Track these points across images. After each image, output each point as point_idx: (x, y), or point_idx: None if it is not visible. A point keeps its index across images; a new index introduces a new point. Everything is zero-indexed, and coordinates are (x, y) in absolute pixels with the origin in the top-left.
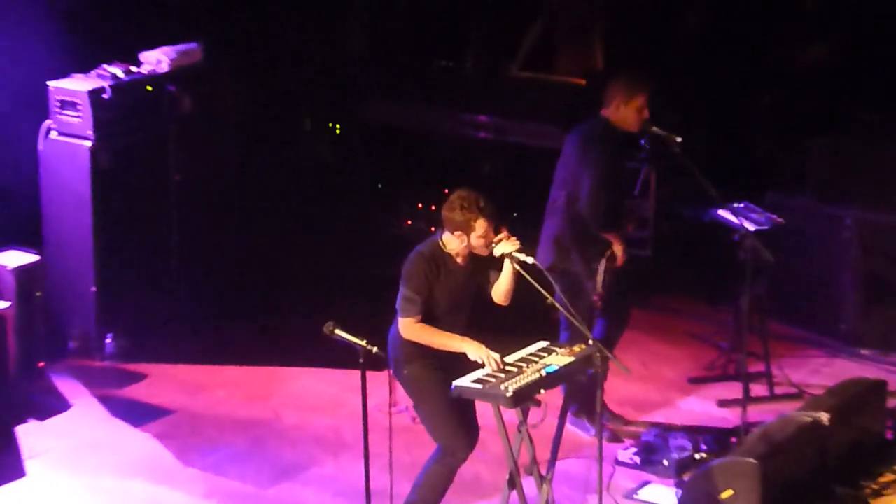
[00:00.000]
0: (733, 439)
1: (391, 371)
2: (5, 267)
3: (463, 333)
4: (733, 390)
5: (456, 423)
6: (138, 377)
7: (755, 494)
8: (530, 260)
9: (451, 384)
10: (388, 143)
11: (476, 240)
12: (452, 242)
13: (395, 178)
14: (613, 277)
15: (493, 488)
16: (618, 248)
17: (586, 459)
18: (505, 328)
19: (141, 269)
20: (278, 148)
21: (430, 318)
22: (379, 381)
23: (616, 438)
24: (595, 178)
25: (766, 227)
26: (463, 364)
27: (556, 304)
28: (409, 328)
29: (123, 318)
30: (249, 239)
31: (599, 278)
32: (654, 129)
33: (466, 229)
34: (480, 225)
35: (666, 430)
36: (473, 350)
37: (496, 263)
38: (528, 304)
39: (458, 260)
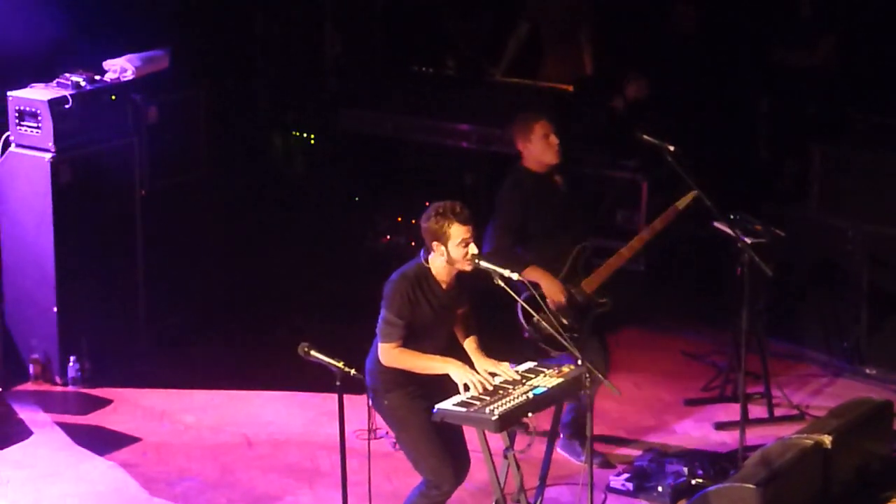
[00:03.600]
0: (731, 464)
1: (370, 402)
2: None
3: (443, 354)
4: (731, 412)
5: (441, 454)
6: (102, 403)
7: None
8: (515, 276)
9: (433, 413)
10: (365, 154)
11: (454, 249)
12: (437, 261)
13: (373, 191)
14: (555, 316)
15: None
16: (546, 288)
17: (576, 486)
18: (490, 348)
19: (105, 288)
20: (249, 159)
21: (408, 339)
22: (356, 405)
23: (607, 464)
24: (496, 224)
25: (764, 240)
26: (446, 391)
27: (543, 323)
28: (389, 353)
29: (86, 340)
30: (219, 256)
31: (519, 316)
32: (646, 137)
33: (442, 238)
34: (456, 231)
35: (660, 454)
36: (459, 372)
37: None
38: (514, 323)
39: (443, 285)
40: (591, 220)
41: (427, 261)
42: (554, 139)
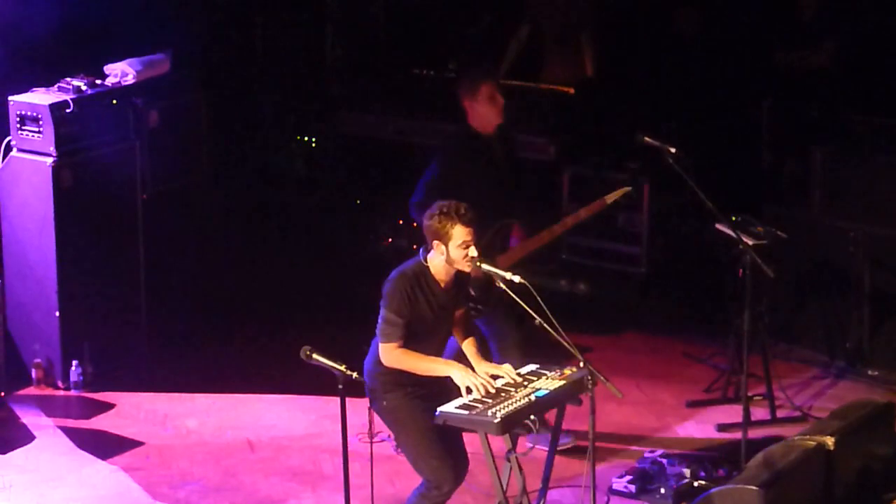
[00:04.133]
0: (733, 465)
1: (369, 402)
2: None
3: (441, 355)
4: (733, 414)
5: (441, 455)
6: (105, 407)
7: None
8: (517, 279)
9: (433, 414)
10: (366, 157)
11: (455, 250)
12: (436, 260)
13: (374, 194)
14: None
15: None
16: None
17: (579, 488)
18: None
19: (107, 292)
20: (250, 163)
21: (408, 341)
22: (359, 408)
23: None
24: (424, 183)
25: (766, 242)
26: (445, 391)
27: (545, 325)
28: (390, 354)
29: (89, 344)
30: (220, 260)
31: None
32: (647, 139)
33: (444, 238)
34: (458, 232)
35: (663, 456)
36: (460, 375)
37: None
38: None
39: (441, 284)
40: (523, 198)
41: (426, 259)
42: (500, 99)
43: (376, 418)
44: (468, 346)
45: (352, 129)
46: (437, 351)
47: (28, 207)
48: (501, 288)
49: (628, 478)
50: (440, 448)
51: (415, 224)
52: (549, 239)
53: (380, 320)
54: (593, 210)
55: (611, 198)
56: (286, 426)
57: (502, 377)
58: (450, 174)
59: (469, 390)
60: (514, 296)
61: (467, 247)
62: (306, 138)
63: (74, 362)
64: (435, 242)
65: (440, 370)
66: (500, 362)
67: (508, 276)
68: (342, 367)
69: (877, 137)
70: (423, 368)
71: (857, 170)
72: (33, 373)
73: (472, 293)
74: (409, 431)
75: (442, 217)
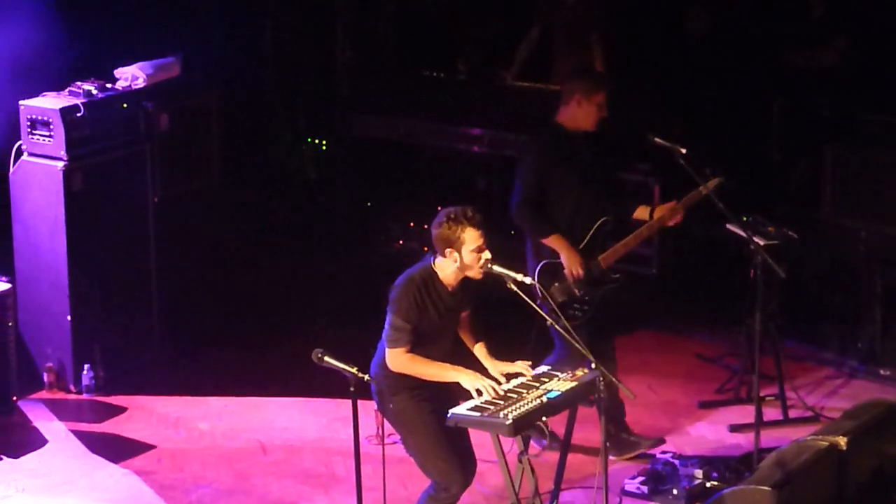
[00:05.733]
0: (746, 467)
1: (376, 405)
2: None
3: (448, 358)
4: (746, 414)
5: (448, 456)
6: (117, 410)
7: None
8: (528, 280)
9: (440, 415)
10: (377, 159)
11: (468, 255)
12: (446, 267)
13: (385, 196)
14: (569, 288)
15: None
16: (565, 259)
17: (591, 489)
18: (503, 352)
19: (118, 295)
20: (261, 166)
21: (415, 345)
22: (370, 410)
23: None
24: (521, 182)
25: (777, 242)
26: (452, 393)
27: (557, 327)
28: (398, 359)
29: (100, 348)
30: (231, 263)
31: (535, 280)
32: (658, 140)
33: (456, 244)
34: (470, 235)
35: (675, 457)
36: (469, 379)
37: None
38: (529, 327)
39: (449, 288)
40: (616, 196)
41: (436, 264)
42: (605, 111)
43: (386, 421)
44: (479, 349)
45: (362, 132)
46: (444, 354)
47: (39, 211)
48: (608, 288)
49: (641, 479)
50: (448, 450)
51: (514, 228)
52: (648, 235)
53: (386, 326)
54: (691, 201)
55: (705, 189)
56: (298, 429)
57: (515, 377)
58: (544, 169)
59: (480, 393)
60: (525, 297)
61: (481, 250)
62: (317, 141)
63: (86, 366)
64: (448, 251)
65: (448, 375)
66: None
67: (520, 277)
68: (354, 370)
69: (888, 136)
70: (431, 374)
71: (867, 169)
72: (45, 377)
73: (577, 293)
74: (417, 433)
75: (451, 223)
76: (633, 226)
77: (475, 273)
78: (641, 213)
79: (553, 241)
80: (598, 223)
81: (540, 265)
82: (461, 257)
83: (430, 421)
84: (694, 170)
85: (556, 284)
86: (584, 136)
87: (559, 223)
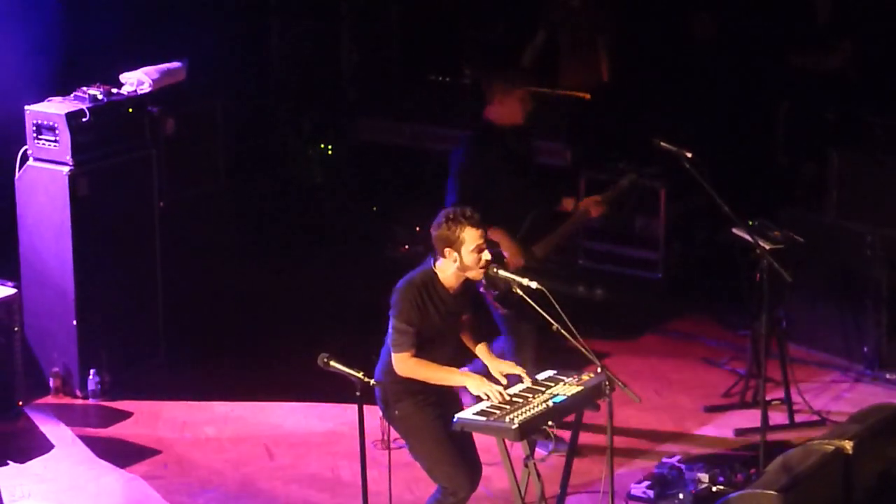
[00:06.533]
0: (752, 470)
1: (381, 412)
2: None
3: (452, 363)
4: (751, 418)
5: (454, 461)
6: (123, 415)
7: None
8: (534, 285)
9: (445, 420)
10: (383, 163)
11: (468, 255)
12: (447, 268)
13: (391, 200)
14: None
15: None
16: (506, 250)
17: (597, 494)
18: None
19: (124, 300)
20: (267, 170)
21: (419, 349)
22: (376, 415)
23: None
24: (456, 180)
25: (783, 246)
26: (457, 398)
27: (562, 331)
28: (404, 364)
29: (106, 353)
30: (237, 267)
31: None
32: (664, 143)
33: (455, 244)
34: (469, 235)
35: (681, 461)
36: (474, 384)
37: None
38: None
39: (450, 290)
40: (544, 186)
41: (436, 266)
42: (529, 103)
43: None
44: (481, 349)
45: (368, 136)
46: (449, 358)
47: (45, 216)
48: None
49: (647, 483)
50: (454, 454)
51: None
52: (577, 225)
53: (390, 330)
54: (612, 195)
55: (625, 183)
56: (304, 433)
57: (518, 378)
58: (477, 165)
59: (486, 397)
60: (530, 301)
61: (481, 250)
62: (322, 145)
63: (92, 371)
64: (447, 251)
65: (454, 380)
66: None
67: (525, 281)
68: (360, 374)
69: (894, 139)
70: (438, 378)
71: (874, 172)
72: (51, 382)
73: (497, 292)
74: (423, 439)
75: (450, 223)
76: (560, 217)
77: (475, 274)
78: (567, 204)
79: (493, 234)
80: (532, 214)
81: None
82: (461, 257)
83: (435, 426)
84: (699, 174)
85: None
86: (512, 131)
87: (496, 216)
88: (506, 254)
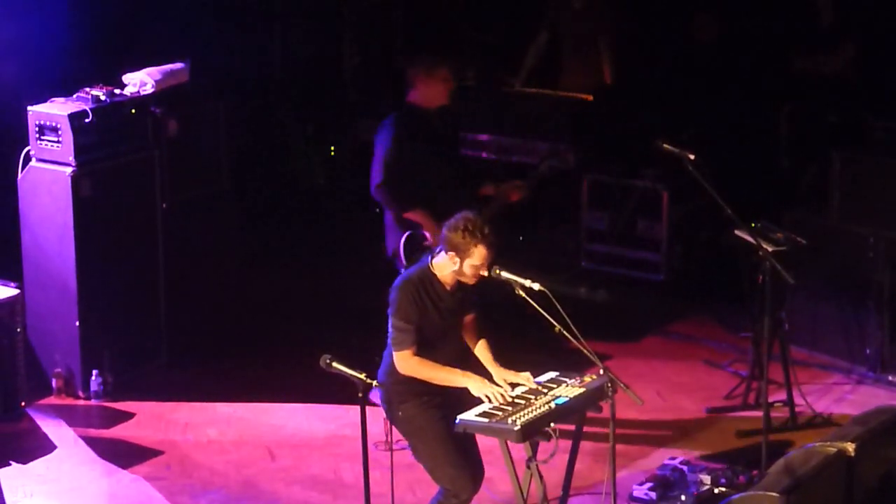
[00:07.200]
0: (754, 472)
1: (385, 413)
2: None
3: (454, 364)
4: (754, 420)
5: (457, 463)
6: (125, 416)
7: None
8: (536, 286)
9: (448, 422)
10: None
11: (469, 268)
12: (445, 266)
13: None
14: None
15: None
16: (428, 230)
17: (599, 495)
18: (511, 358)
19: (127, 301)
20: (269, 171)
21: (420, 349)
22: (378, 416)
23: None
24: (380, 162)
25: (785, 248)
26: (460, 400)
27: (565, 332)
28: (406, 362)
29: (109, 353)
30: (240, 268)
31: (401, 252)
32: (666, 145)
33: (463, 253)
34: (479, 253)
35: (683, 463)
36: (476, 385)
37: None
38: (535, 331)
39: (448, 287)
40: (466, 169)
41: (433, 263)
42: (452, 82)
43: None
44: (483, 352)
45: (370, 137)
46: (450, 360)
47: (48, 217)
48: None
49: (649, 485)
50: (457, 456)
51: (380, 208)
52: (499, 208)
53: (390, 329)
54: (533, 182)
55: (544, 167)
56: (306, 434)
57: (521, 385)
58: (401, 147)
59: (489, 399)
60: (533, 303)
61: (483, 268)
62: (325, 146)
63: (94, 372)
64: (451, 254)
65: (457, 381)
66: None
67: (528, 283)
68: (362, 376)
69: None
70: (440, 378)
71: (876, 175)
72: (53, 382)
73: None
74: (426, 441)
75: (466, 234)
76: (482, 199)
77: (467, 280)
78: (487, 189)
79: (416, 216)
80: (456, 196)
81: (405, 236)
82: (461, 265)
83: (438, 428)
84: (702, 176)
85: (417, 255)
86: (437, 113)
87: (419, 197)
88: (428, 235)
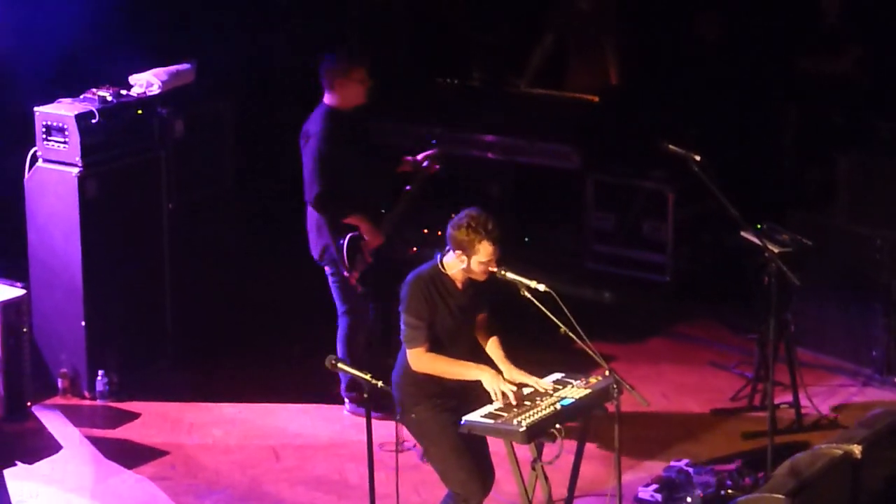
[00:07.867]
0: (760, 474)
1: (398, 415)
2: None
3: (468, 360)
4: (759, 422)
5: (469, 467)
6: (130, 416)
7: None
8: (542, 287)
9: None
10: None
11: (476, 265)
12: (454, 265)
13: (399, 203)
14: (366, 258)
15: None
16: (366, 232)
17: (605, 497)
18: (516, 359)
19: (132, 302)
20: (276, 172)
21: (432, 347)
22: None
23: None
24: (314, 172)
25: (791, 249)
26: (473, 403)
27: (570, 333)
28: (419, 359)
29: (115, 354)
30: (246, 269)
31: (344, 256)
32: (671, 146)
33: (469, 251)
34: (484, 249)
35: (689, 465)
36: (489, 380)
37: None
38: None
39: (458, 284)
40: (381, 156)
41: (443, 262)
42: (368, 81)
43: (401, 427)
44: (494, 350)
45: (374, 138)
46: (463, 358)
47: (54, 217)
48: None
49: (654, 486)
50: (469, 461)
51: (326, 215)
52: (418, 190)
53: (402, 326)
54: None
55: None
56: (311, 435)
57: (528, 386)
58: (330, 154)
59: (504, 395)
60: (538, 304)
61: (490, 264)
62: None
63: (100, 372)
64: (458, 252)
65: (470, 374)
66: None
67: (533, 284)
68: (367, 377)
69: None
70: (453, 372)
71: (882, 176)
72: (59, 382)
73: (371, 261)
74: (439, 444)
75: (470, 231)
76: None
77: (478, 277)
78: (405, 167)
79: (355, 220)
80: (382, 188)
81: (348, 238)
82: (469, 263)
83: (451, 432)
84: (707, 177)
85: (358, 256)
86: (355, 112)
87: (354, 200)
88: (366, 237)
